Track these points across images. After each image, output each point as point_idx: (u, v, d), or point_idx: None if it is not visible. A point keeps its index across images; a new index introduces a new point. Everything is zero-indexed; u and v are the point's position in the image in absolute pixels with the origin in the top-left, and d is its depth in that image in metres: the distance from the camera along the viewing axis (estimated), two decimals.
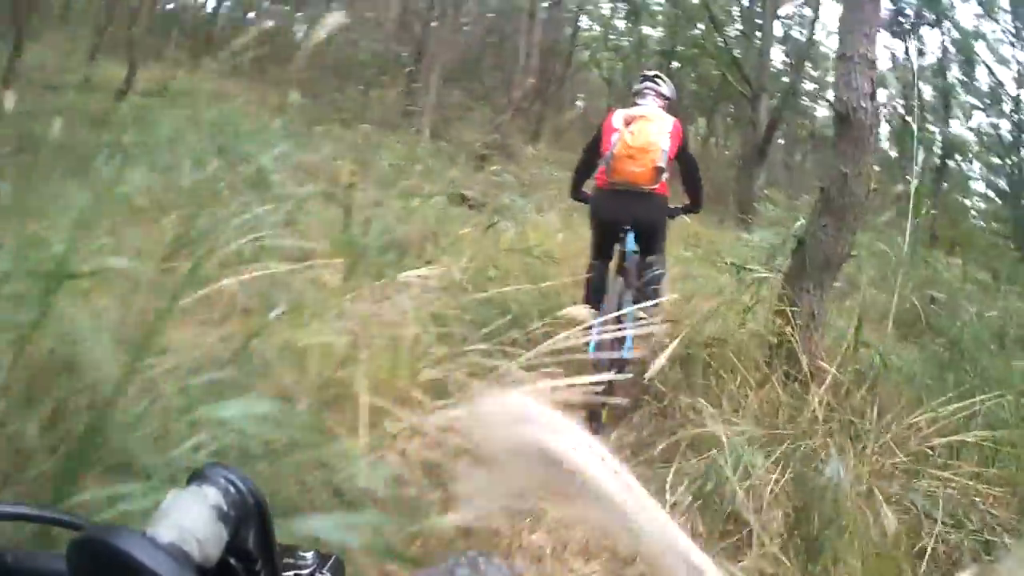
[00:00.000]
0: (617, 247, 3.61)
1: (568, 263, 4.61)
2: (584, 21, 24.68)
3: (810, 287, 3.24)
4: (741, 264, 3.72)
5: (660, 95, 3.79)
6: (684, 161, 3.68)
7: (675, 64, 21.25)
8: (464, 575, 0.59)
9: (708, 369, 3.05)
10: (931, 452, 2.65)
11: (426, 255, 4.11)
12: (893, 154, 15.86)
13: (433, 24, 13.71)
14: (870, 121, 3.07)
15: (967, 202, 15.49)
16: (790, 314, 3.09)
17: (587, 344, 3.12)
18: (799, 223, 3.55)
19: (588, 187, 3.89)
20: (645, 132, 3.44)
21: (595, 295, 3.54)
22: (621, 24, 24.53)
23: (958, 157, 15.42)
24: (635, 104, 3.74)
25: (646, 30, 23.32)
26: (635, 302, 3.39)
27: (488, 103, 14.45)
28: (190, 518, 0.50)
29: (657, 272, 3.60)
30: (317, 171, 6.05)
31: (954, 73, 16.01)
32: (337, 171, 6.03)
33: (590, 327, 2.91)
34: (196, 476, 0.54)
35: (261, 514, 0.55)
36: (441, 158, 9.15)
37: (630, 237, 3.52)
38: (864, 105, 3.04)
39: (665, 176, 3.50)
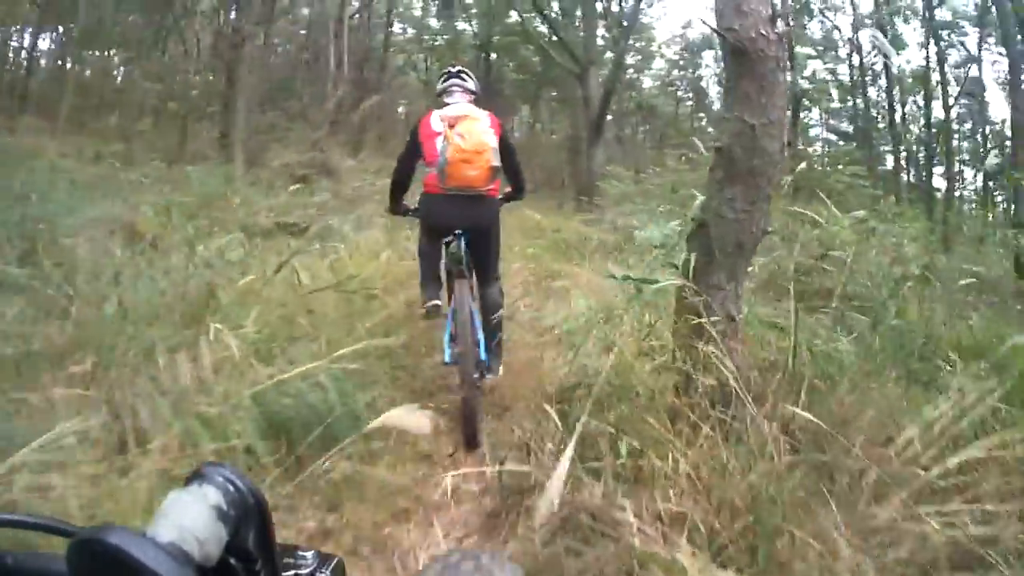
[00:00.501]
0: (450, 249, 3.49)
1: (395, 293, 4.19)
2: (397, 25, 24.51)
3: (722, 281, 2.46)
4: (638, 277, 2.84)
5: (467, 91, 3.68)
6: (505, 152, 3.51)
7: (493, 56, 21.68)
8: (468, 570, 0.65)
9: (616, 441, 2.09)
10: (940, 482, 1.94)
11: (207, 320, 3.22)
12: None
13: (243, 48, 12.95)
14: (775, 52, 2.29)
15: (810, 149, 16.03)
16: (705, 326, 2.31)
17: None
18: (698, 202, 2.64)
19: (410, 197, 3.81)
20: (475, 133, 3.30)
21: (428, 270, 3.62)
22: (435, 23, 24.49)
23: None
24: (444, 104, 3.59)
25: (460, 25, 23.31)
26: (478, 303, 3.52)
27: (306, 121, 13.78)
28: (190, 518, 0.52)
29: (495, 274, 3.65)
30: (117, 224, 5.55)
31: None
32: (137, 222, 5.65)
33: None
34: (196, 476, 0.56)
35: (261, 513, 0.57)
36: (258, 186, 8.74)
37: (461, 241, 3.42)
38: (764, 32, 2.26)
39: (498, 175, 3.46)
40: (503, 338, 3.67)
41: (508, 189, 3.85)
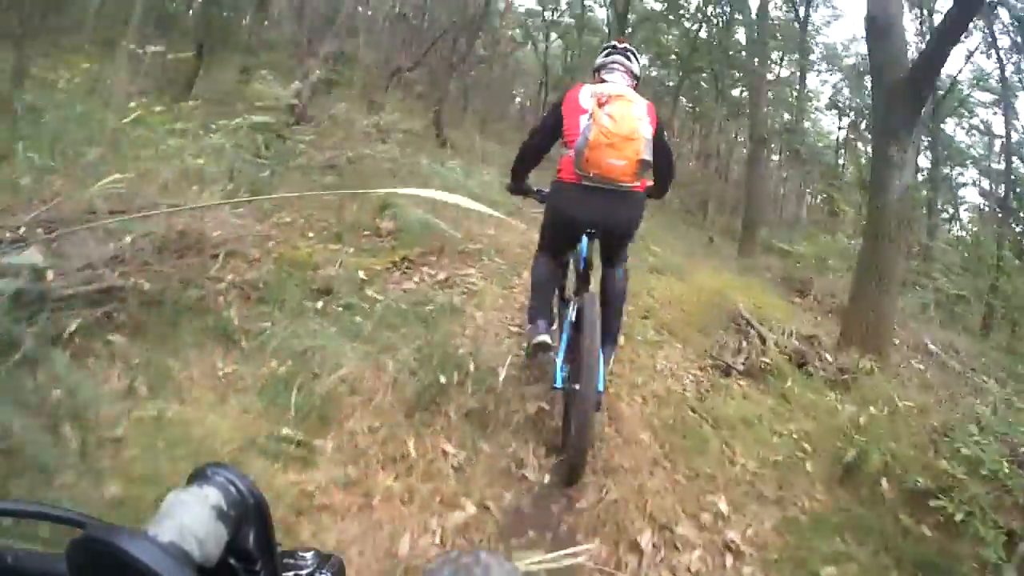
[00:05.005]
0: (574, 250, 3.53)
1: None
2: None
3: None
4: None
5: (630, 72, 3.47)
6: (659, 151, 3.22)
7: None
8: (466, 569, 0.65)
9: None
10: None
11: None
12: None
13: None
14: None
15: None
16: None
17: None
18: None
19: (535, 178, 3.73)
20: (628, 117, 3.05)
21: (543, 293, 3.42)
22: None
23: None
24: (601, 81, 3.38)
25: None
26: (599, 317, 3.18)
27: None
28: (190, 518, 0.55)
29: (622, 282, 3.51)
30: None
31: None
32: None
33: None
34: (196, 476, 0.59)
35: (261, 514, 0.61)
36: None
37: (586, 241, 3.39)
38: None
39: (647, 172, 3.25)
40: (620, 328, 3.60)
41: (649, 184, 3.56)
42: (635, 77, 3.46)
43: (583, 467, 3.01)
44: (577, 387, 2.95)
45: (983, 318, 10.59)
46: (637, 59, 3.52)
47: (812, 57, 22.12)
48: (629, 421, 3.81)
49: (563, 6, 24.29)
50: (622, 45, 3.52)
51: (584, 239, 3.32)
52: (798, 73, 22.41)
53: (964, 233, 14.93)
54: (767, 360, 4.96)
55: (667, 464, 3.53)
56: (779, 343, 5.39)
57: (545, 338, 3.24)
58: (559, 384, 3.16)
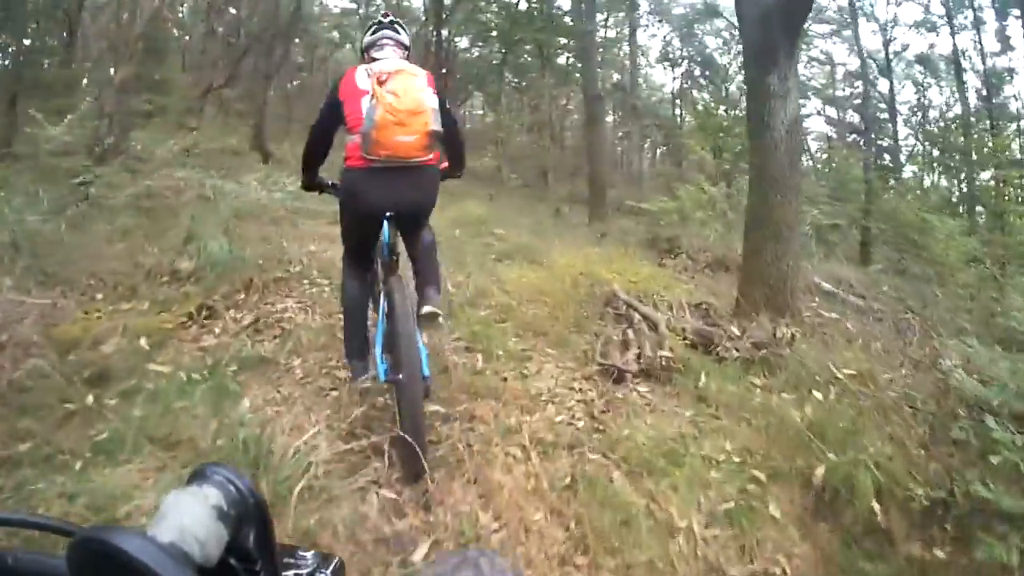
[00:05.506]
0: (378, 241, 3.43)
1: None
2: None
3: None
4: None
5: (401, 44, 3.45)
6: (445, 119, 3.19)
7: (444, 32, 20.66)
8: (473, 563, 0.68)
9: None
10: None
11: None
12: None
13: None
14: None
15: None
16: None
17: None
18: None
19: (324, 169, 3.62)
20: (412, 90, 3.02)
21: (354, 317, 3.41)
22: None
23: None
24: (372, 59, 3.32)
25: None
26: (412, 301, 3.23)
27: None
28: (190, 518, 0.54)
29: (428, 235, 3.42)
30: None
31: None
32: None
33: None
34: (196, 476, 0.59)
35: (261, 514, 0.60)
36: None
37: (386, 226, 3.32)
38: None
39: (438, 144, 3.26)
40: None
41: (444, 164, 3.51)
42: (406, 48, 3.46)
43: (423, 460, 2.85)
44: (401, 376, 2.93)
45: (861, 243, 10.51)
46: (405, 30, 3.50)
47: (640, 12, 22.41)
48: (511, 496, 2.90)
49: (378, 0, 23.84)
50: (388, 19, 3.48)
51: (384, 224, 3.27)
52: (627, 31, 22.76)
53: (814, 163, 15.22)
54: (667, 353, 4.09)
55: (582, 560, 2.55)
56: (673, 325, 4.46)
57: (367, 382, 3.27)
58: (383, 378, 3.16)
